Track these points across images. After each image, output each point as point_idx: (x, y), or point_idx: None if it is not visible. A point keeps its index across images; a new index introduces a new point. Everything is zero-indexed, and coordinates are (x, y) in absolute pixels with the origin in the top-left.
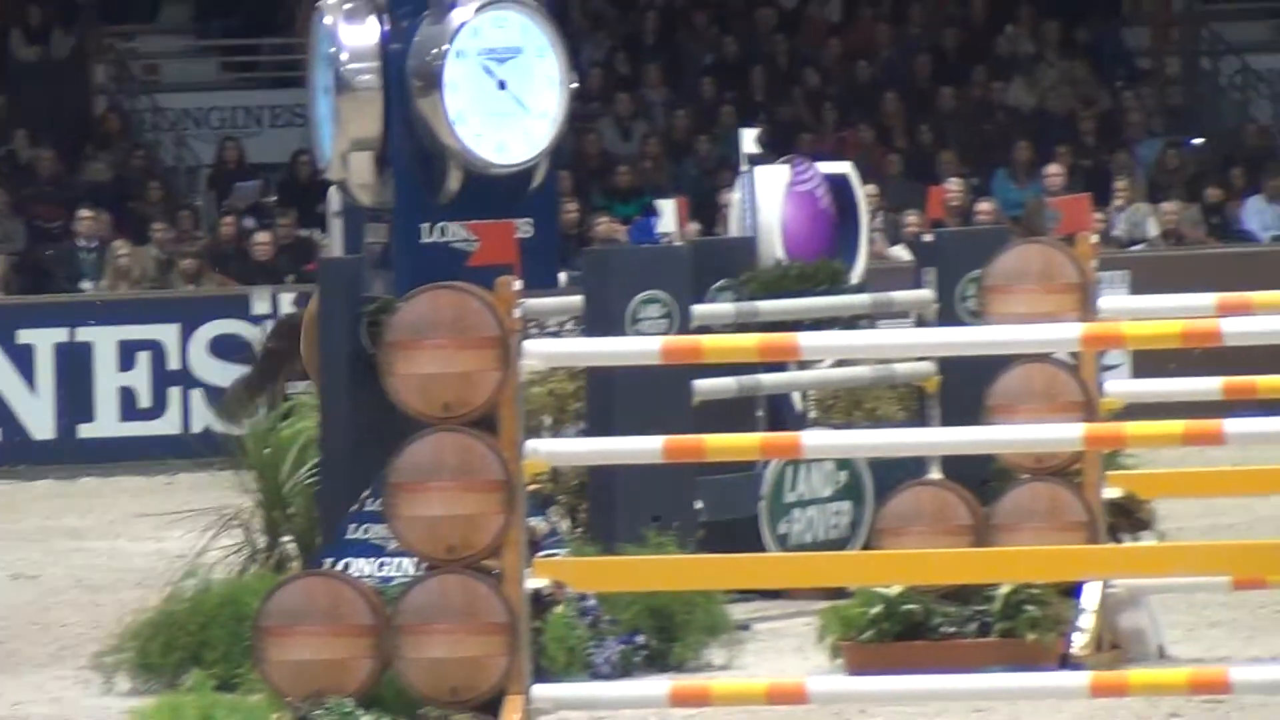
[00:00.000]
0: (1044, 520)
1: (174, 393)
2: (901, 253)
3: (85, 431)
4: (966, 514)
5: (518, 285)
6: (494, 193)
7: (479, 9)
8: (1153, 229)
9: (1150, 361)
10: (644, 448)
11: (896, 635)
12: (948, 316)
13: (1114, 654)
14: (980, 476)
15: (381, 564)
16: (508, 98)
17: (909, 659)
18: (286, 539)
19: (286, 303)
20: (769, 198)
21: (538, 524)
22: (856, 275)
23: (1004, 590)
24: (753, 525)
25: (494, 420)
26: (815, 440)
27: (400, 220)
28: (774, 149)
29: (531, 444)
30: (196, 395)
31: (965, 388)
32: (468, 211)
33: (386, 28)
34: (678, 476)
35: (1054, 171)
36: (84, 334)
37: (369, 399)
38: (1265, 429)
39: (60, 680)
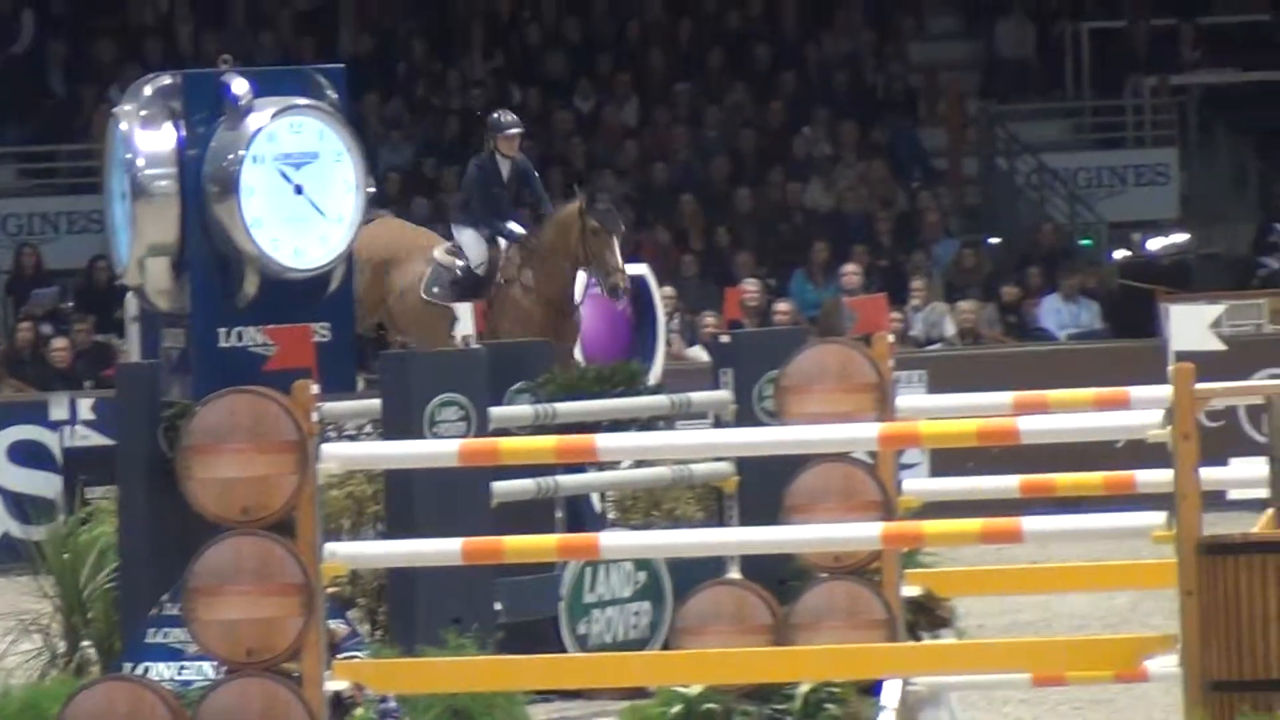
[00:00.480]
0: (843, 619)
1: None
2: (699, 353)
3: None
4: (766, 613)
5: (315, 389)
6: (291, 297)
7: (275, 114)
8: (950, 328)
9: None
10: (443, 549)
11: None
12: (745, 417)
13: None
14: (779, 575)
15: (181, 668)
16: (304, 203)
17: None
18: (86, 643)
19: (85, 408)
20: None
21: (337, 626)
22: (654, 376)
23: (804, 689)
24: (552, 626)
25: (292, 524)
26: (614, 541)
27: (197, 325)
28: None
29: (330, 547)
30: None
31: (763, 487)
32: (265, 316)
33: (183, 133)
34: (477, 578)
35: (851, 271)
36: None
37: (168, 503)
38: (1062, 526)
39: None
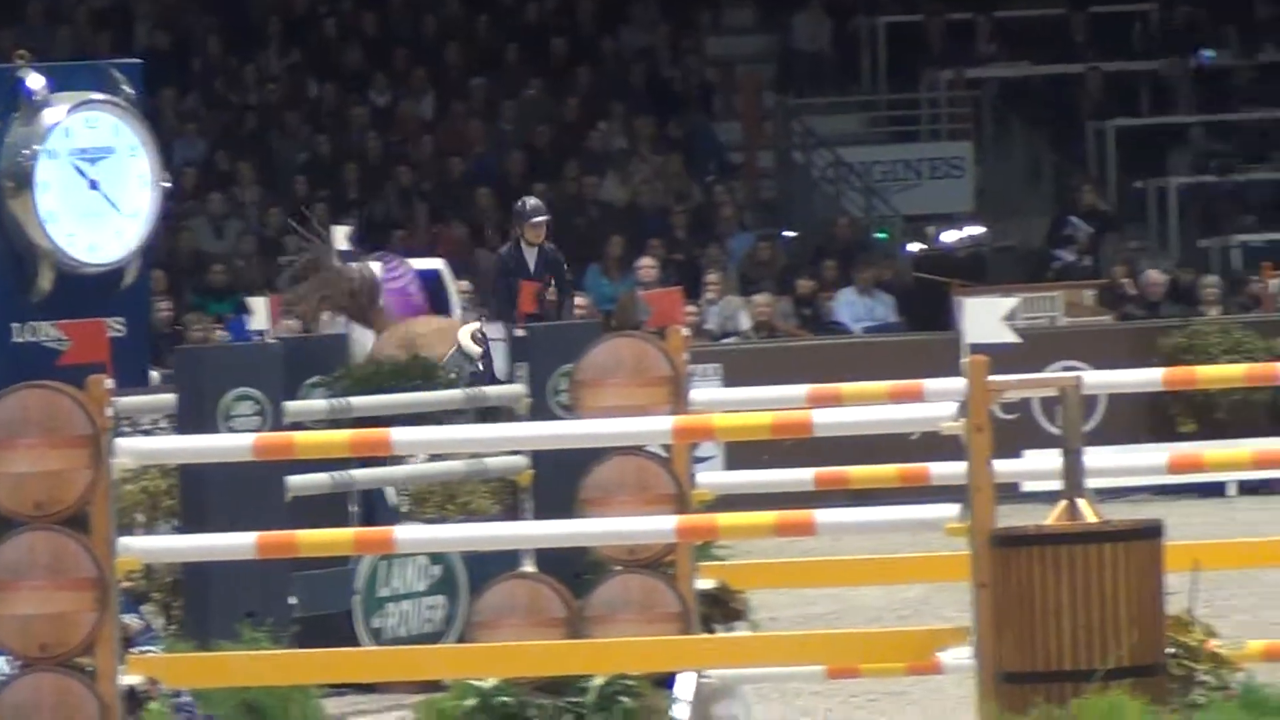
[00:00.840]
0: (638, 611)
1: None
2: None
3: None
4: (560, 606)
5: (109, 384)
6: (86, 292)
7: (71, 110)
8: (745, 321)
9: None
10: (237, 544)
11: None
12: (540, 410)
13: None
14: (574, 569)
15: None
16: (99, 198)
17: None
18: None
19: None
20: None
21: (131, 621)
22: (449, 368)
23: (598, 682)
24: (347, 620)
25: (86, 518)
26: (408, 535)
27: None
28: (366, 246)
29: (124, 541)
30: None
31: (558, 481)
32: (59, 311)
33: None
34: (272, 572)
35: (646, 265)
36: None
37: None
38: (856, 519)
39: None
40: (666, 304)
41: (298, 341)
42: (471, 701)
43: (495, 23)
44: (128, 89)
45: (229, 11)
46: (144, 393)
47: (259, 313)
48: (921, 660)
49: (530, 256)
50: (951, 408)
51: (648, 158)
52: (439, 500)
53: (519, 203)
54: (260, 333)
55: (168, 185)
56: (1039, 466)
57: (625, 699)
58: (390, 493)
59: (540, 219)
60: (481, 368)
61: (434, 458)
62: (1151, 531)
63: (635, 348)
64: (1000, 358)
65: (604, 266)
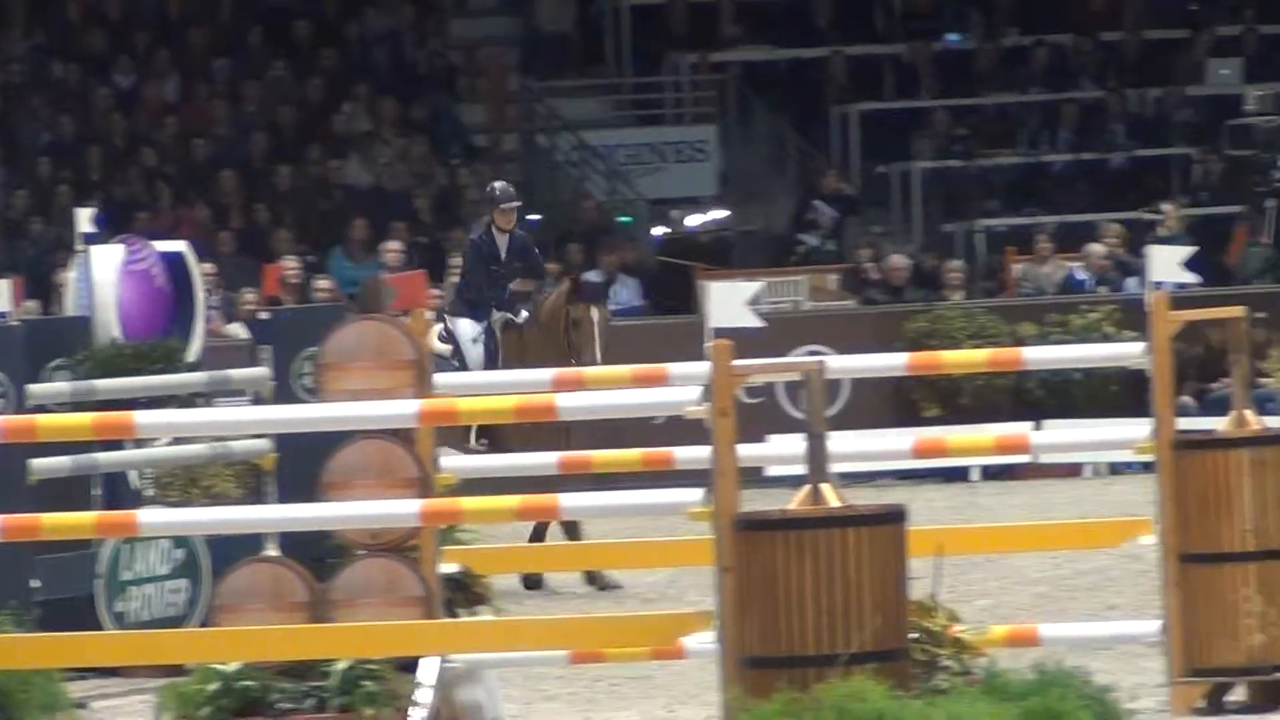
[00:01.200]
0: (381, 596)
1: None
2: (239, 330)
3: None
4: (304, 590)
5: None
6: None
7: None
8: None
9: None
10: None
11: (235, 712)
12: (284, 394)
13: None
14: (318, 553)
15: None
16: None
17: None
18: None
19: None
20: (104, 277)
21: None
22: (193, 354)
23: (341, 666)
24: (90, 604)
25: None
26: (151, 518)
27: None
28: (110, 228)
29: None
30: None
31: (302, 465)
32: None
33: None
34: (14, 555)
35: (391, 248)
36: None
37: None
38: (600, 503)
39: None
40: (411, 287)
41: (40, 323)
42: (214, 686)
43: (239, 5)
44: None
45: None
46: None
47: (1, 294)
48: (666, 645)
49: (502, 243)
50: (696, 392)
51: (392, 141)
52: (182, 484)
53: (489, 187)
54: (2, 314)
55: None
56: (783, 451)
57: (368, 683)
58: (133, 476)
59: (511, 204)
60: (457, 364)
61: (178, 441)
62: (895, 516)
63: (380, 331)
64: (744, 342)
65: (348, 249)
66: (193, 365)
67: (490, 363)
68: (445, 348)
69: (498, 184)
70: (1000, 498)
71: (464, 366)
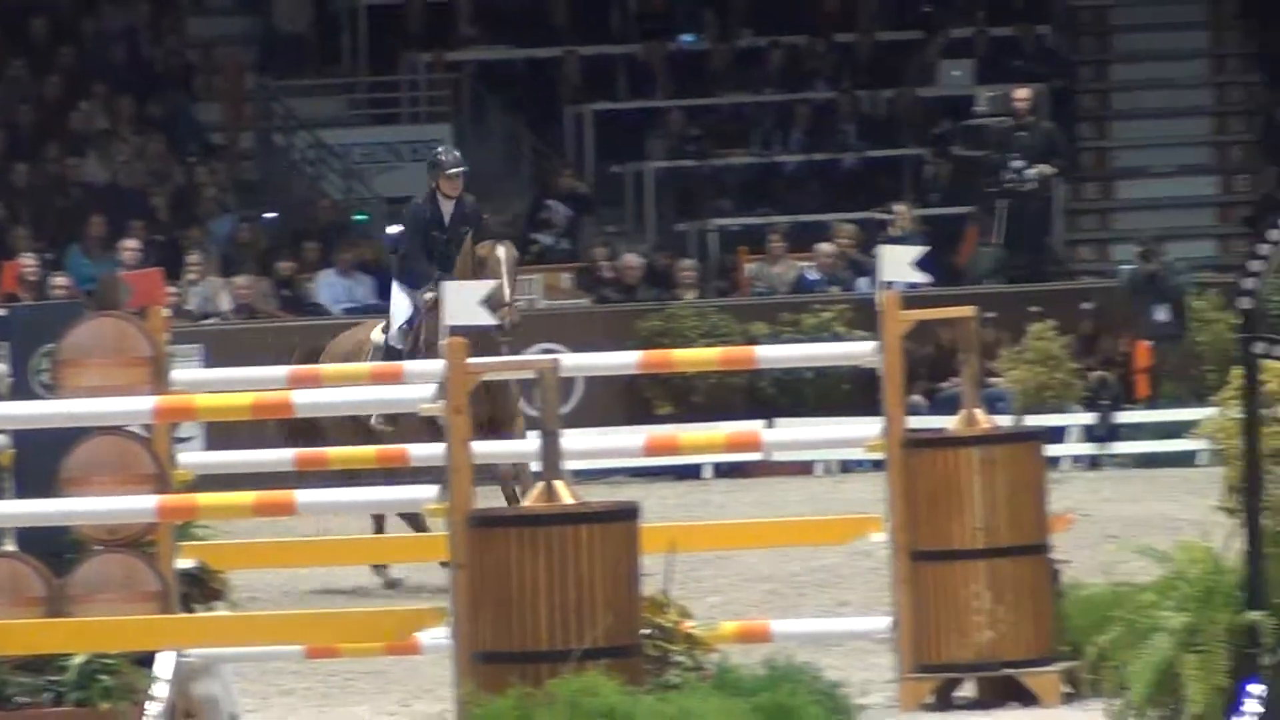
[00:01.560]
0: (118, 591)
1: None
2: None
3: None
4: (40, 585)
5: None
6: None
7: None
8: (226, 302)
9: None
10: None
11: None
12: (22, 390)
13: None
14: (55, 548)
15: None
16: None
17: None
18: None
19: None
20: None
21: None
22: None
23: (78, 660)
24: None
25: None
26: None
27: None
28: None
29: None
30: None
31: (40, 460)
32: None
33: None
34: None
35: (129, 246)
36: None
37: None
38: (337, 499)
39: None
40: (147, 285)
41: None
42: None
43: None
44: None
45: None
46: None
47: None
48: (400, 640)
49: (447, 209)
50: (431, 389)
51: (128, 138)
52: None
53: (434, 152)
54: None
55: None
56: (519, 448)
57: (105, 677)
58: None
59: (457, 170)
60: (404, 347)
61: None
62: (627, 513)
63: (116, 328)
64: (480, 340)
65: (85, 247)
66: None
67: (415, 342)
68: (381, 337)
69: (444, 150)
70: (732, 495)
71: (391, 347)
